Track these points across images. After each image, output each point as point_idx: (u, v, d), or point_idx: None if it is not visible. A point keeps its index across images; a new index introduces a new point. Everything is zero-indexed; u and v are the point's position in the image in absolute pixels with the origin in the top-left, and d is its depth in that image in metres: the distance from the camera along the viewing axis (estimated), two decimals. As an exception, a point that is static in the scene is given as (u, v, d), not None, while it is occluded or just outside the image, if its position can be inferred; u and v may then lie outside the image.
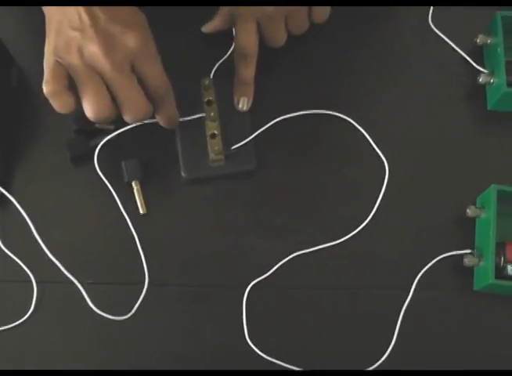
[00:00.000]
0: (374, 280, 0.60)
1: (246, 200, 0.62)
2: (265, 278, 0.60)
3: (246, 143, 0.62)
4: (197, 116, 0.62)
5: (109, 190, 0.62)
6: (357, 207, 0.62)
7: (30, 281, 0.59)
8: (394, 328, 0.58)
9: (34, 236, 0.59)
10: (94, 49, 0.51)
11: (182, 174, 0.61)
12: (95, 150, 0.62)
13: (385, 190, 0.63)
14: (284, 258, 0.60)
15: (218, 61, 0.65)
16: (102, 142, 0.62)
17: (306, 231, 0.61)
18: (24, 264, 0.59)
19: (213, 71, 0.65)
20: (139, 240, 0.61)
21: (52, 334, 0.59)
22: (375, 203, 0.62)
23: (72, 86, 0.53)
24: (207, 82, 0.62)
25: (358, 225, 0.62)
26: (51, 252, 0.59)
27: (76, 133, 0.63)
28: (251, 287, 0.59)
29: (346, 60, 0.67)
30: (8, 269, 0.59)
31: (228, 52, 0.66)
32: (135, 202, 0.61)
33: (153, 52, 0.54)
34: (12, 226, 0.60)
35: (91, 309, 0.58)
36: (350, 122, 0.64)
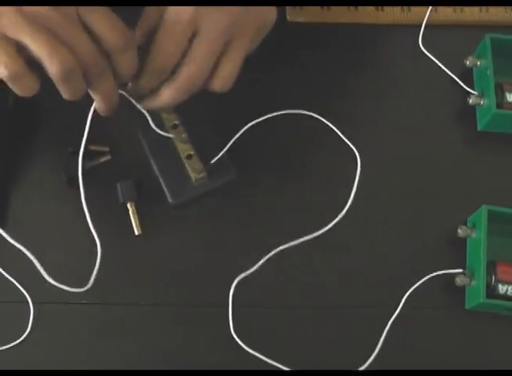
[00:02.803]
0: (362, 296, 0.61)
1: (231, 208, 0.64)
2: (250, 273, 0.61)
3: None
4: (166, 135, 0.61)
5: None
6: (346, 221, 0.63)
7: (27, 301, 0.59)
8: (378, 342, 0.59)
9: (29, 256, 0.60)
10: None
11: (169, 200, 0.62)
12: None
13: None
14: (269, 253, 0.61)
15: None
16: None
17: (289, 227, 0.63)
18: (20, 284, 0.60)
19: None
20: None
21: (49, 354, 0.59)
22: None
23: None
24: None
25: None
26: (46, 273, 0.60)
27: (72, 155, 0.63)
28: (237, 283, 0.60)
29: (335, 77, 0.69)
30: (4, 289, 0.60)
31: None
32: (130, 223, 0.62)
33: None
34: (8, 247, 0.60)
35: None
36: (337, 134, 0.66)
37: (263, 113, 0.65)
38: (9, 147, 0.63)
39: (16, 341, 0.58)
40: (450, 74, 0.68)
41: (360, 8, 0.70)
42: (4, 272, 0.60)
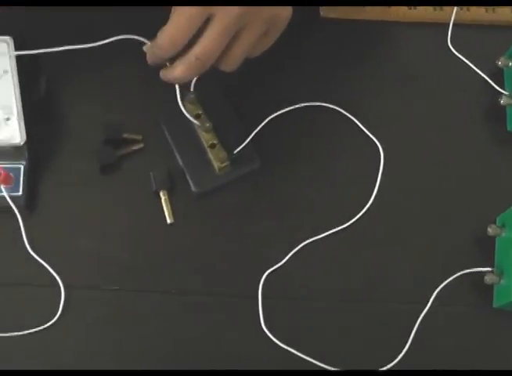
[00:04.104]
0: (390, 292, 0.61)
1: (257, 199, 0.64)
2: (279, 267, 0.61)
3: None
4: (193, 120, 0.61)
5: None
6: (371, 215, 0.63)
7: (58, 286, 0.59)
8: (408, 339, 0.59)
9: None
10: None
11: (193, 189, 0.62)
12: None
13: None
14: (296, 246, 0.62)
15: None
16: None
17: (313, 220, 0.63)
18: (52, 268, 0.60)
19: (192, 84, 0.65)
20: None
21: (78, 338, 0.59)
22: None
23: None
24: (192, 96, 0.63)
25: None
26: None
27: (104, 143, 0.63)
28: (266, 276, 0.61)
29: (363, 73, 0.69)
30: (35, 273, 0.60)
31: None
32: (162, 211, 0.62)
33: None
34: (40, 232, 0.61)
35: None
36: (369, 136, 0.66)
37: (286, 105, 0.66)
38: (41, 134, 0.63)
39: (45, 324, 0.59)
40: (481, 73, 0.68)
41: (393, 6, 0.70)
42: (35, 256, 0.60)
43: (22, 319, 0.59)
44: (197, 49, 0.55)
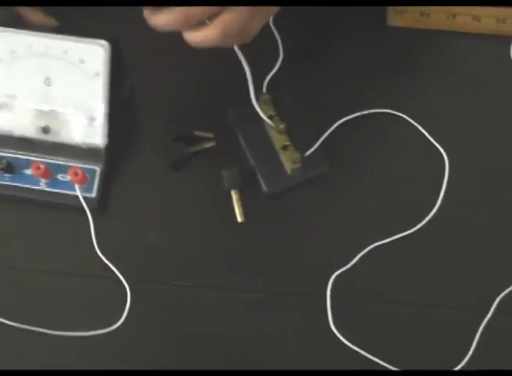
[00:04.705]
0: (452, 296, 0.62)
1: (326, 200, 0.65)
2: (347, 269, 0.62)
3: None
4: (267, 120, 0.63)
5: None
6: (436, 220, 0.64)
7: (124, 288, 0.60)
8: (471, 344, 0.60)
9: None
10: None
11: (264, 189, 0.63)
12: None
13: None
14: (364, 249, 0.62)
15: (266, 75, 0.67)
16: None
17: (380, 224, 0.64)
18: (119, 270, 0.60)
19: (265, 85, 0.66)
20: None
21: (147, 335, 0.60)
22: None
23: None
24: (266, 97, 0.64)
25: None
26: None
27: (176, 140, 0.64)
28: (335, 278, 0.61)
29: (427, 82, 0.70)
30: (102, 274, 0.60)
31: (277, 66, 0.68)
32: (232, 210, 0.63)
33: None
34: (109, 233, 0.62)
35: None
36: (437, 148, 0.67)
37: (354, 111, 0.67)
38: (122, 131, 0.64)
39: (115, 323, 0.59)
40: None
41: (457, 16, 0.72)
42: (103, 258, 0.60)
43: (89, 318, 0.59)
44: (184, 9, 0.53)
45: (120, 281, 0.60)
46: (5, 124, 0.61)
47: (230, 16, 0.53)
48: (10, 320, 0.58)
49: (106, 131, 0.60)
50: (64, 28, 0.58)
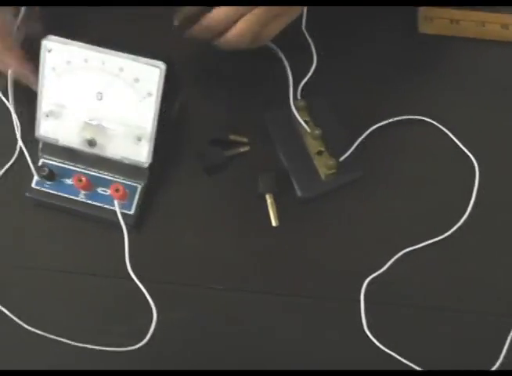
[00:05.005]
0: (484, 303, 0.63)
1: (356, 206, 0.65)
2: (380, 273, 0.63)
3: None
4: (304, 125, 0.64)
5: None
6: (467, 227, 0.65)
7: (151, 311, 0.60)
8: (500, 353, 0.61)
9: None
10: None
11: (298, 194, 0.64)
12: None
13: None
14: (396, 254, 0.63)
15: (300, 80, 0.68)
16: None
17: (412, 229, 0.65)
18: (147, 289, 0.60)
19: (299, 91, 0.67)
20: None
21: (179, 337, 0.61)
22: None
23: None
24: (301, 103, 0.65)
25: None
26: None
27: (211, 144, 0.65)
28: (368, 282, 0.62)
29: (459, 89, 0.71)
30: (131, 291, 0.60)
31: (311, 71, 0.69)
32: (267, 213, 0.63)
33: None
34: (143, 249, 0.62)
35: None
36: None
37: (387, 117, 0.68)
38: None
39: (141, 337, 0.59)
40: None
41: (486, 24, 0.73)
42: (134, 277, 0.61)
43: (119, 331, 0.60)
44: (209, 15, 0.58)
45: (148, 303, 0.60)
46: (52, 133, 0.61)
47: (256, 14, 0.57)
48: (43, 331, 0.59)
49: (151, 152, 0.60)
50: (121, 44, 0.58)
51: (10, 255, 0.62)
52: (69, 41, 0.58)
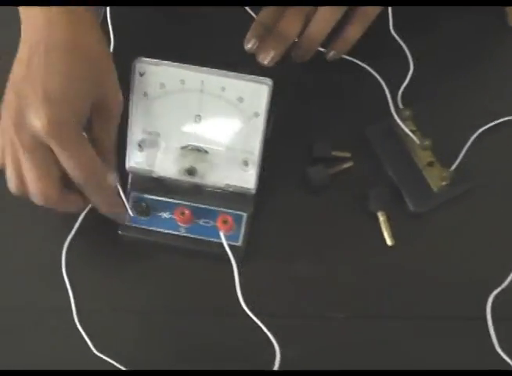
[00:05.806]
0: None
1: (470, 217, 0.61)
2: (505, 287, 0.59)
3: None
4: (411, 135, 0.60)
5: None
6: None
7: (273, 346, 0.56)
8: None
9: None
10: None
11: (411, 209, 0.60)
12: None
13: None
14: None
15: (398, 88, 0.64)
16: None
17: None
18: (266, 325, 0.56)
19: (399, 99, 0.63)
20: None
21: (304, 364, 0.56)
22: None
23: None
24: (407, 113, 0.61)
25: None
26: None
27: (314, 161, 0.61)
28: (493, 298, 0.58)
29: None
30: (249, 331, 0.57)
31: (408, 77, 0.64)
32: (380, 232, 0.59)
33: (67, 135, 0.49)
34: (253, 283, 0.58)
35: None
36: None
37: (492, 118, 0.63)
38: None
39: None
40: None
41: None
42: (250, 313, 0.56)
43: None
44: (308, 31, 0.59)
45: (268, 339, 0.56)
46: (145, 164, 0.56)
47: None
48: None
49: (257, 176, 0.55)
50: (219, 63, 0.53)
51: (112, 299, 0.58)
52: (163, 62, 0.54)
